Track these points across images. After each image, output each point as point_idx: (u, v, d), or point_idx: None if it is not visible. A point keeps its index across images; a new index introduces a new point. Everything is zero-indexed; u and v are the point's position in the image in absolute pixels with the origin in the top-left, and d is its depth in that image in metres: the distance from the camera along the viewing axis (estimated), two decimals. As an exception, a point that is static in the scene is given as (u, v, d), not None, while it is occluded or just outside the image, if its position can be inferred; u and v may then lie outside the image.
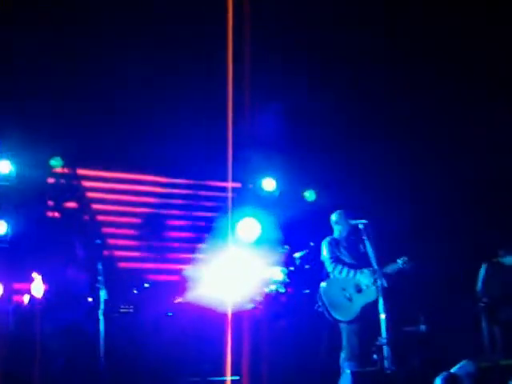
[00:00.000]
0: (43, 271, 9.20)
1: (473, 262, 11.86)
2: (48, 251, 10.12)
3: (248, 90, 11.53)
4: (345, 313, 8.96)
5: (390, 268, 9.06)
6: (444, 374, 6.70)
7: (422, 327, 11.73)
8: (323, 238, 9.57)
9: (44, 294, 8.70)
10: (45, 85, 11.36)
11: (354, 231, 9.22)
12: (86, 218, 12.91)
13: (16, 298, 10.60)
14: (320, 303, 8.99)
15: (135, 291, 10.99)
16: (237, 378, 7.68)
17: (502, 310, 11.31)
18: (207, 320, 11.15)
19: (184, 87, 12.19)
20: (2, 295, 10.52)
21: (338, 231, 9.42)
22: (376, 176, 13.13)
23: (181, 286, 11.58)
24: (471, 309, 11.55)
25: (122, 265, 13.06)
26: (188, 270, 11.79)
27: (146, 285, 9.60)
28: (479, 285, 11.51)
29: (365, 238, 8.96)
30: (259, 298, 11.78)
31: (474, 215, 12.99)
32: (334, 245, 9.29)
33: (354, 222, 9.17)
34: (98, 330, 7.63)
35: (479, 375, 8.38)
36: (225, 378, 7.83)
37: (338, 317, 8.95)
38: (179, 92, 12.27)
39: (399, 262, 9.06)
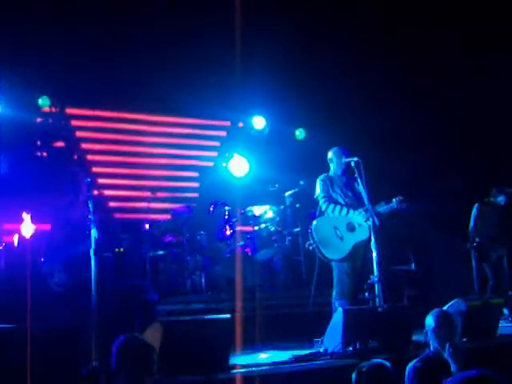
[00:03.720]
0: (43, 209, 9.15)
1: (465, 201, 11.86)
2: (50, 189, 10.07)
3: (240, 28, 11.38)
4: (336, 251, 8.93)
5: (385, 207, 9.03)
6: (436, 310, 6.69)
7: (413, 266, 11.77)
8: (313, 176, 9.50)
9: (50, 231, 8.68)
10: (31, 21, 11.16)
11: (348, 169, 9.14)
12: (75, 157, 12.81)
13: (6, 238, 10.55)
14: (311, 241, 8.95)
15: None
16: (227, 316, 7.66)
17: (492, 249, 11.35)
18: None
19: (176, 25, 12.04)
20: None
21: (332, 169, 9.34)
22: (369, 115, 13.05)
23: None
24: (462, 248, 11.60)
25: (112, 204, 13.04)
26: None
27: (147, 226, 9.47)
28: (471, 224, 11.53)
29: (357, 175, 8.91)
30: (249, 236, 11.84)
31: (467, 155, 12.98)
32: (328, 183, 9.20)
33: (346, 159, 9.12)
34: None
35: (470, 313, 8.44)
36: (216, 317, 7.81)
37: (328, 255, 8.92)
38: (170, 30, 12.12)
39: (394, 201, 9.02)
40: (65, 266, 8.20)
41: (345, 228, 8.99)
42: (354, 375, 5.26)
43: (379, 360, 5.42)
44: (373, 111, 13.02)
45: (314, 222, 9.08)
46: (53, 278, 8.21)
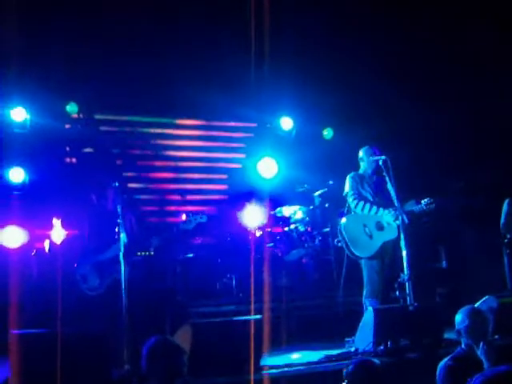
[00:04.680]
0: (73, 215, 9.24)
1: (497, 196, 11.76)
2: (80, 195, 10.17)
3: (266, 29, 11.38)
4: (365, 249, 8.94)
5: (414, 208, 9.01)
6: (467, 308, 6.64)
7: (444, 263, 11.70)
8: (341, 176, 9.51)
9: (81, 237, 8.77)
10: (58, 29, 11.23)
11: (378, 168, 9.13)
12: (104, 162, 12.88)
13: (38, 244, 10.64)
14: (340, 238, 8.97)
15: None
16: (257, 317, 7.68)
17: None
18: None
19: (200, 28, 12.06)
20: (26, 242, 10.57)
21: (363, 167, 9.35)
22: (396, 114, 12.99)
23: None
24: (494, 244, 11.49)
25: (142, 208, 13.08)
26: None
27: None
28: (502, 220, 11.42)
29: (385, 174, 8.91)
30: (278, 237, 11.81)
31: (497, 148, 12.86)
32: (358, 180, 9.21)
33: (373, 157, 9.11)
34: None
35: (501, 310, 8.38)
36: (246, 318, 7.82)
37: (357, 253, 8.94)
38: (195, 34, 12.14)
39: (422, 203, 9.00)
40: (96, 271, 8.26)
41: (374, 226, 8.99)
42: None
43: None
44: (400, 107, 12.95)
45: (343, 220, 9.10)
46: (85, 283, 8.27)
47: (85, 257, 8.38)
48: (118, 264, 7.80)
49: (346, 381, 5.27)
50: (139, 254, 8.98)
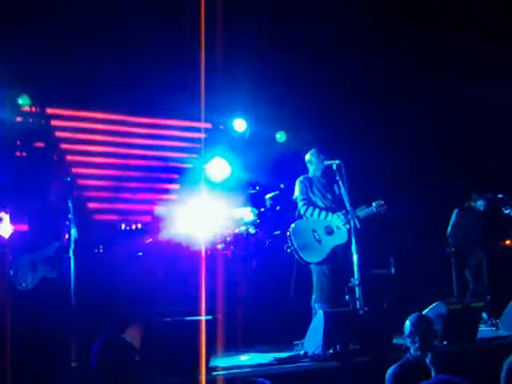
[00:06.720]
0: (22, 210, 9.14)
1: (444, 206, 11.89)
2: (29, 189, 10.05)
3: (220, 28, 11.34)
4: (314, 254, 8.96)
5: (364, 211, 9.06)
6: (413, 315, 6.72)
7: (392, 270, 11.79)
8: (294, 179, 9.51)
9: (27, 231, 8.70)
10: (10, 20, 11.08)
11: (328, 171, 9.15)
12: (55, 157, 12.72)
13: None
14: (290, 244, 8.97)
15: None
16: (209, 317, 7.64)
17: (471, 254, 11.40)
18: (179, 260, 11.14)
19: (155, 24, 11.98)
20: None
21: (312, 170, 9.37)
22: (349, 119, 13.04)
23: (152, 226, 11.51)
24: (442, 252, 11.63)
25: (92, 205, 12.94)
26: (160, 209, 11.70)
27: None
28: (449, 230, 11.57)
29: (338, 178, 8.93)
30: (229, 238, 11.73)
31: (446, 159, 13.00)
32: (307, 184, 9.24)
33: (327, 162, 9.13)
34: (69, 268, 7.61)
35: (450, 317, 8.48)
36: (197, 318, 7.78)
37: (306, 258, 8.95)
38: (149, 29, 12.05)
39: (374, 205, 9.06)
40: (30, 267, 8.20)
41: (323, 231, 9.02)
42: None
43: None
44: (353, 113, 13.02)
45: (293, 225, 9.10)
46: (16, 277, 8.21)
47: (21, 251, 8.33)
48: (52, 263, 7.76)
49: None
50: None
